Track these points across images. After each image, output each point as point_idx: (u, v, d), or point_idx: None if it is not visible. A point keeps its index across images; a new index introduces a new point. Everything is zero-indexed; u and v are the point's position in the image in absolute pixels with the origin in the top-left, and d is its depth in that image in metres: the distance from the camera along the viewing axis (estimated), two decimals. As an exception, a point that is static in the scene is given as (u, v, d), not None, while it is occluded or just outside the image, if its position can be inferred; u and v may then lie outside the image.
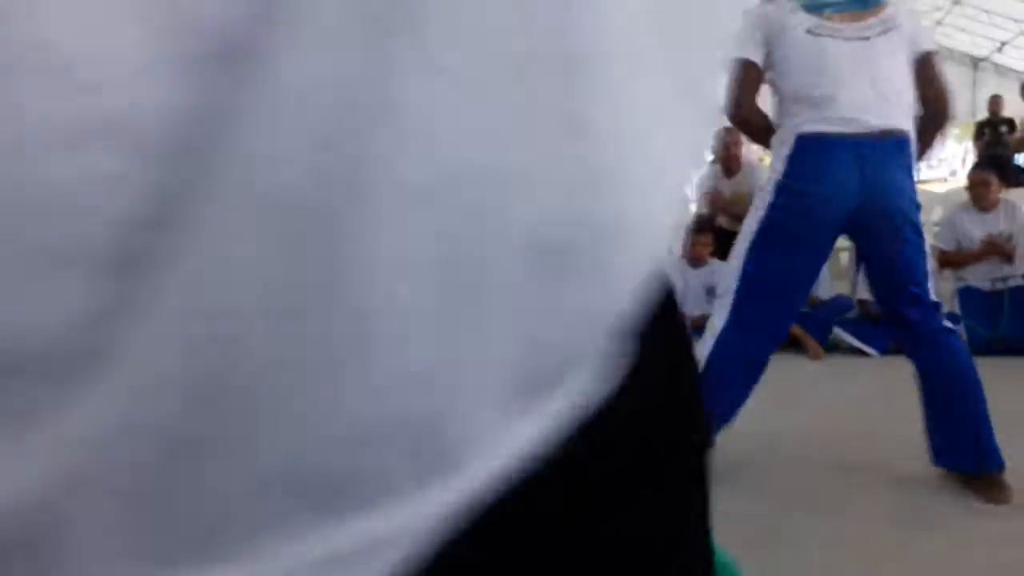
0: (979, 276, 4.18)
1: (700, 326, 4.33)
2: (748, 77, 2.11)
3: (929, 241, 4.36)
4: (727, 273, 2.28)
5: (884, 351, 4.06)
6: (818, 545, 1.82)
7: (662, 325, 0.28)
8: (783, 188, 2.08)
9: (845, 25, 2.04)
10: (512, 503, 0.23)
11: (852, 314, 4.26)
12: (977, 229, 4.22)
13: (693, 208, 5.81)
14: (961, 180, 6.01)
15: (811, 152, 2.03)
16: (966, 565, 1.69)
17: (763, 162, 6.96)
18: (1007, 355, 3.86)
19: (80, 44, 0.16)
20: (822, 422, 2.95)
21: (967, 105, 18.10)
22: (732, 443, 2.66)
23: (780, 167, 2.10)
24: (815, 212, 2.09)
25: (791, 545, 1.83)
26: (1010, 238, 4.14)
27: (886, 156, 2.01)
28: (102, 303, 0.18)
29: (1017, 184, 5.46)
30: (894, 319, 2.21)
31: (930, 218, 5.61)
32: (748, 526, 1.94)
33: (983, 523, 1.89)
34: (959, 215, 4.35)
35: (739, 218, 4.94)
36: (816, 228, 2.14)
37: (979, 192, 4.22)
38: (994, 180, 4.32)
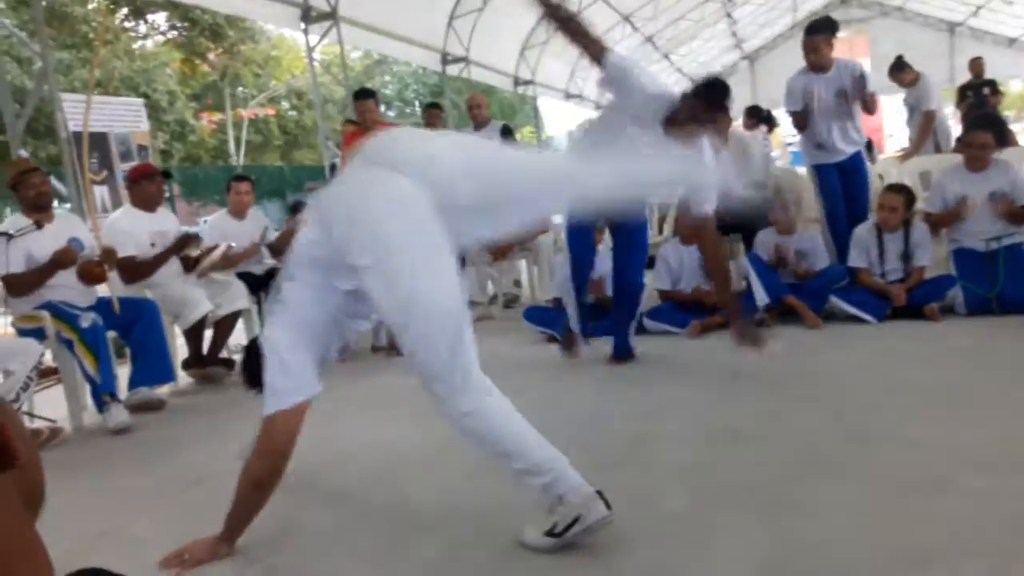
0: (972, 237, 4.18)
1: (696, 299, 4.37)
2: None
3: (919, 205, 4.37)
4: None
5: (882, 318, 4.07)
6: (828, 509, 1.84)
7: None
8: None
9: None
10: None
11: (844, 283, 4.25)
12: (970, 191, 4.20)
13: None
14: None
15: None
16: (980, 522, 1.71)
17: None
18: (1005, 314, 3.88)
19: None
20: (829, 390, 2.96)
21: (946, 71, 18.16)
22: (745, 415, 2.67)
23: None
24: None
25: (802, 510, 1.84)
26: (1006, 196, 4.13)
27: None
28: None
29: (1007, 143, 5.46)
30: None
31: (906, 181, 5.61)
32: (762, 494, 1.95)
33: (994, 481, 1.91)
34: (949, 178, 4.34)
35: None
36: None
37: (979, 154, 4.20)
38: (992, 141, 4.31)
